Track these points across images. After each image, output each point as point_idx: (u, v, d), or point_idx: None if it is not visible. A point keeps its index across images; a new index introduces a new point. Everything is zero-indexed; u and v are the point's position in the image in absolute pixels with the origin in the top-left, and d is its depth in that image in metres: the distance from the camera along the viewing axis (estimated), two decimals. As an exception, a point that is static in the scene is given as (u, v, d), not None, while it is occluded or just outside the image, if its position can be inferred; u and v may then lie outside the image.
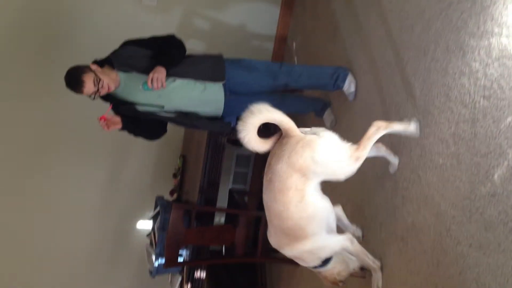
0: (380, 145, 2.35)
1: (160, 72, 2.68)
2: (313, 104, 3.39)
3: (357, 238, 2.54)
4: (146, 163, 4.78)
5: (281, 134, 2.02)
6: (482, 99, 1.93)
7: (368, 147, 2.10)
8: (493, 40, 1.92)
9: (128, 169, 4.74)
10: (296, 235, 2.16)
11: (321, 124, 3.46)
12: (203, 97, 2.94)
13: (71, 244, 4.66)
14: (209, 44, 4.54)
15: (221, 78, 2.92)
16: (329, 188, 3.31)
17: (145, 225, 4.70)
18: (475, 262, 1.83)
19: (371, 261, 2.48)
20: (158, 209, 3.88)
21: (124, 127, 2.92)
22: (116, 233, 4.81)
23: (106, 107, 2.86)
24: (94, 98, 2.76)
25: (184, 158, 4.47)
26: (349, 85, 3.09)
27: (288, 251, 2.27)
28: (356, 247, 2.38)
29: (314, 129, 2.07)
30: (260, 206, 4.61)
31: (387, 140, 2.48)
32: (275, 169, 1.98)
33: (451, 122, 2.10)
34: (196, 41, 4.59)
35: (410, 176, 2.35)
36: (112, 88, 2.78)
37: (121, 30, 4.33)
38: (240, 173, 4.87)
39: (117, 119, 2.89)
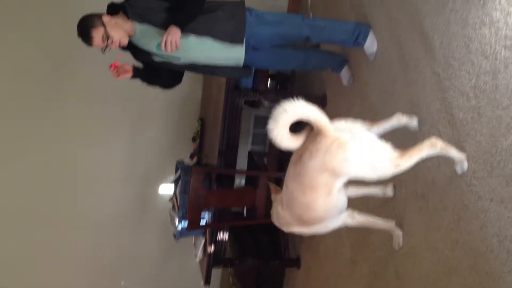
0: None
1: (174, 34, 2.58)
2: (333, 60, 3.32)
3: (389, 196, 2.56)
4: (165, 127, 4.80)
5: (312, 128, 1.92)
6: (503, 49, 1.86)
7: (414, 160, 1.92)
8: (515, -13, 1.84)
9: (148, 135, 4.76)
10: (311, 222, 2.15)
11: (338, 79, 3.41)
12: (222, 55, 2.86)
13: (94, 211, 4.74)
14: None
15: (240, 40, 2.81)
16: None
17: (167, 189, 4.76)
18: (497, 217, 1.80)
19: (383, 224, 2.47)
20: (179, 173, 3.91)
21: (136, 75, 2.88)
22: (139, 198, 4.88)
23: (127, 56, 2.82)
24: (104, 52, 2.69)
25: (202, 121, 4.47)
26: (371, 45, 3.00)
27: (291, 230, 2.27)
28: (358, 220, 2.40)
29: (349, 124, 1.98)
30: (280, 167, 4.63)
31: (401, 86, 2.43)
32: (307, 166, 1.91)
33: (471, 74, 2.04)
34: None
35: (430, 130, 2.30)
36: (125, 43, 2.70)
37: None
38: (258, 134, 4.86)
39: (128, 66, 2.85)
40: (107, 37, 2.61)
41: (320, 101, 3.79)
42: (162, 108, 4.73)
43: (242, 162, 4.35)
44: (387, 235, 2.55)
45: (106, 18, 2.63)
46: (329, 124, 1.87)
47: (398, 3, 2.74)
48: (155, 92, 4.59)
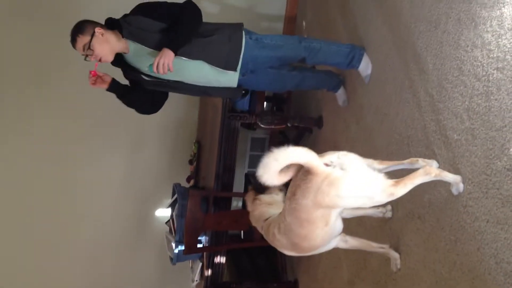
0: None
1: (167, 57, 2.58)
2: (329, 80, 3.34)
3: (388, 217, 2.56)
4: (162, 150, 4.80)
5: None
6: (495, 71, 1.88)
7: (408, 188, 1.91)
8: (505, 10, 1.86)
9: (145, 158, 4.76)
10: (308, 250, 2.15)
11: (333, 100, 3.43)
12: (215, 78, 2.86)
13: (91, 234, 4.72)
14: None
15: (234, 67, 2.81)
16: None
17: (163, 212, 4.74)
18: (493, 238, 1.80)
19: (378, 247, 2.47)
20: (175, 196, 3.91)
21: (111, 89, 2.84)
22: (135, 221, 4.86)
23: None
24: (85, 59, 2.67)
25: (199, 143, 4.48)
26: (365, 67, 3.02)
27: (285, 252, 2.26)
28: (351, 244, 2.39)
29: (341, 155, 1.91)
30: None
31: (395, 114, 2.45)
32: (301, 203, 1.90)
33: (464, 96, 2.05)
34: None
35: (425, 152, 2.31)
36: (107, 60, 2.69)
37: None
38: (255, 156, 4.87)
39: (108, 78, 2.81)
40: (87, 47, 2.61)
41: (316, 123, 3.81)
42: (159, 131, 4.74)
43: (239, 184, 4.34)
44: (385, 256, 2.54)
45: (98, 30, 2.63)
46: (319, 162, 1.83)
47: (391, 24, 2.78)
48: (152, 116, 4.63)
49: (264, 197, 2.56)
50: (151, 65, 2.64)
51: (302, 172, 1.89)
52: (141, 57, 2.74)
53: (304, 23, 4.46)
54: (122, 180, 4.75)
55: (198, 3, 4.23)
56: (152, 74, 2.74)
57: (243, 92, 3.19)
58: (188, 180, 4.55)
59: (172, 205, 3.98)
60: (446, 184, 2.10)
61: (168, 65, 2.60)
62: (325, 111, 3.76)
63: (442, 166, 2.15)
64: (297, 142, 4.28)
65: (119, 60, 2.81)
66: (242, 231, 4.27)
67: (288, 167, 1.84)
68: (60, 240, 4.65)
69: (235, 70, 2.83)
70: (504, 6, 1.88)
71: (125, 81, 2.94)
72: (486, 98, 1.92)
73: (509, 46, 1.82)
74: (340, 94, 3.36)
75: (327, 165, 1.86)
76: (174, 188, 4.01)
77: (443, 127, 2.18)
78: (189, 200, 3.42)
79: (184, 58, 2.72)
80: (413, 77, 2.48)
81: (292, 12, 4.69)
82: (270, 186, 1.91)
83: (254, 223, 2.49)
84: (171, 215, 3.95)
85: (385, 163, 2.06)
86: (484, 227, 1.86)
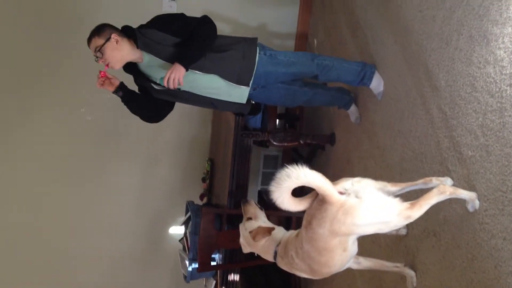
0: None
1: (178, 71, 2.62)
2: (341, 97, 3.33)
3: (402, 235, 2.55)
4: (175, 168, 4.82)
5: (317, 194, 1.89)
6: (509, 88, 1.88)
7: (424, 209, 1.89)
8: (517, 26, 1.87)
9: (158, 176, 4.78)
10: (326, 274, 2.14)
11: (346, 117, 3.43)
12: (226, 91, 2.90)
13: (104, 251, 4.73)
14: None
15: (246, 83, 2.86)
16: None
17: (177, 230, 4.74)
18: (510, 255, 1.78)
19: (392, 267, 2.44)
20: (189, 213, 3.91)
21: (118, 92, 2.85)
22: (148, 239, 4.87)
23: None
24: (95, 60, 2.72)
25: (212, 161, 4.49)
26: (377, 85, 3.03)
27: (301, 275, 2.24)
28: (364, 265, 2.40)
29: (355, 182, 1.92)
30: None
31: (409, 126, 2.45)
32: (318, 232, 1.90)
33: (478, 113, 2.05)
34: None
35: (439, 169, 2.30)
36: (114, 67, 2.73)
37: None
38: (268, 174, 4.87)
39: (116, 81, 2.84)
40: (98, 50, 2.66)
41: (329, 140, 3.81)
42: (172, 148, 4.76)
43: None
44: (400, 274, 2.51)
45: (115, 37, 2.69)
46: (333, 190, 1.83)
47: (402, 41, 2.79)
48: (165, 133, 4.69)
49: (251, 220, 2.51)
50: (161, 78, 2.70)
51: (317, 201, 1.89)
52: (154, 68, 2.80)
53: (315, 41, 4.49)
54: (136, 197, 4.77)
55: (210, 15, 4.28)
56: (162, 86, 2.79)
57: (256, 108, 3.22)
58: (201, 197, 4.56)
59: (185, 223, 3.98)
60: (461, 201, 2.09)
61: (179, 79, 2.64)
62: (337, 128, 3.76)
63: (457, 183, 2.14)
64: (310, 159, 4.28)
65: (132, 66, 2.87)
66: (255, 249, 4.25)
67: (304, 197, 1.88)
68: (72, 257, 4.67)
69: (247, 85, 2.87)
70: (516, 23, 1.88)
71: (133, 87, 2.98)
72: (500, 114, 1.91)
73: (522, 63, 1.83)
74: (352, 111, 3.36)
75: (341, 193, 1.86)
76: (187, 205, 4.01)
77: (457, 143, 2.17)
78: (202, 218, 3.42)
79: (197, 71, 2.76)
80: (426, 94, 2.48)
81: (304, 29, 4.72)
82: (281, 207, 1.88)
83: (263, 255, 2.39)
84: (185, 233, 3.95)
85: (399, 185, 2.06)
86: (501, 244, 1.84)
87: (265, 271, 4.20)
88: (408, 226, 2.53)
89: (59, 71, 4.36)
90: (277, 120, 4.05)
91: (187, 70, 2.67)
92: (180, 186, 4.82)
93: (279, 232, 2.38)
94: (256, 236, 2.35)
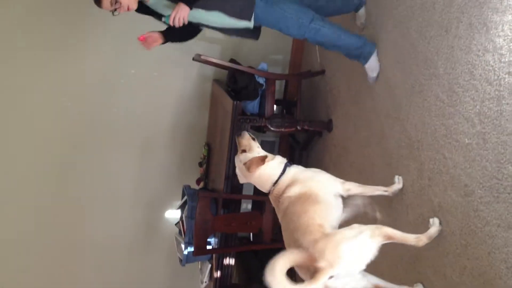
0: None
1: (182, 11, 2.73)
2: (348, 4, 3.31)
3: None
4: (172, 153, 4.82)
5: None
6: (507, 75, 1.88)
7: (394, 238, 2.05)
8: (517, 14, 1.87)
9: (155, 160, 4.78)
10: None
11: (343, 105, 3.43)
12: (231, 24, 2.98)
13: (100, 236, 4.74)
14: (226, 43, 4.52)
15: (248, 17, 2.92)
16: (356, 172, 3.29)
17: (173, 214, 4.76)
18: (504, 242, 1.80)
19: (382, 191, 2.55)
20: (185, 198, 3.92)
21: (165, 40, 3.02)
22: (145, 223, 4.88)
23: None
24: (113, 14, 2.78)
25: (209, 146, 4.49)
26: (373, 68, 3.04)
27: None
28: (354, 191, 2.47)
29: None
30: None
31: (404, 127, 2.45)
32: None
33: (476, 100, 2.05)
34: (209, 45, 4.59)
35: (435, 156, 2.31)
36: (133, 7, 2.81)
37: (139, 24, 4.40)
38: (265, 159, 4.87)
39: (156, 35, 2.97)
40: (115, 1, 2.72)
41: (326, 126, 3.81)
42: (169, 133, 4.76)
43: (248, 187, 4.34)
44: (396, 259, 2.54)
45: None
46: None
47: (402, 28, 2.78)
48: (162, 118, 4.68)
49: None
50: (167, 17, 2.81)
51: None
52: (160, 7, 2.90)
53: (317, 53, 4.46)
54: (132, 182, 4.77)
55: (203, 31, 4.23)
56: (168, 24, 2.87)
57: (254, 93, 3.21)
58: (197, 182, 4.56)
59: (181, 207, 3.99)
60: (457, 188, 2.11)
61: (184, 18, 2.76)
62: (334, 114, 3.77)
63: (453, 170, 2.16)
64: (306, 145, 4.28)
65: (142, 8, 2.93)
66: (251, 233, 4.28)
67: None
68: (69, 241, 4.68)
69: (249, 19, 2.93)
70: (516, 11, 1.88)
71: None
72: (498, 102, 1.92)
73: (521, 51, 1.83)
74: (360, 15, 3.34)
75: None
76: (183, 190, 4.02)
77: (454, 131, 2.18)
78: (198, 202, 3.43)
79: (200, 9, 2.87)
80: (424, 82, 2.48)
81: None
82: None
83: (258, 186, 2.52)
84: (181, 217, 3.96)
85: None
86: (495, 231, 1.86)
87: (260, 256, 4.23)
88: (404, 212, 2.55)
89: (53, 60, 4.33)
90: (275, 106, 4.04)
91: (191, 8, 2.78)
92: (177, 171, 4.82)
93: (276, 162, 2.48)
94: (251, 167, 2.43)
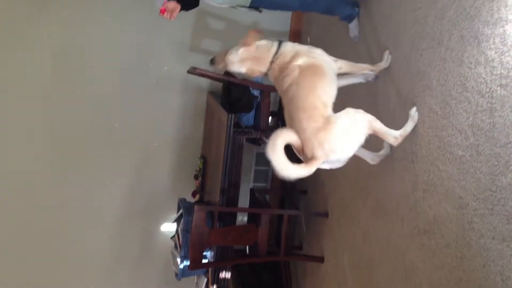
0: None
1: None
2: (342, 7, 3.29)
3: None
4: (167, 165, 4.81)
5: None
6: (499, 88, 1.89)
7: (377, 133, 2.37)
8: (508, 27, 1.88)
9: (150, 173, 4.78)
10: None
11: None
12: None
13: (96, 248, 4.73)
14: (224, 42, 4.55)
15: None
16: (349, 185, 3.30)
17: (169, 227, 4.74)
18: (499, 255, 1.79)
19: (367, 68, 2.82)
20: (181, 211, 3.91)
21: (181, 8, 2.98)
22: (140, 236, 4.86)
23: None
24: None
25: (204, 159, 4.49)
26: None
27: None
28: (344, 69, 2.73)
29: None
30: (282, 204, 4.63)
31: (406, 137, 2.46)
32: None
33: (469, 112, 2.06)
34: (211, 41, 4.61)
35: (429, 168, 2.32)
36: None
37: (136, 35, 4.42)
38: (260, 171, 4.88)
39: (172, 4, 2.92)
40: None
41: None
42: (165, 146, 4.76)
43: (244, 199, 4.34)
44: (391, 272, 2.53)
45: None
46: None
47: (395, 40, 2.80)
48: (158, 131, 4.68)
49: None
50: None
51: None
52: None
53: (308, 39, 4.49)
54: (127, 194, 4.76)
55: (204, 20, 4.29)
56: None
57: (249, 105, 3.22)
58: (193, 194, 4.56)
59: (177, 220, 3.98)
60: (451, 201, 2.11)
61: None
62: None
63: (447, 182, 2.16)
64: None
65: None
66: (247, 246, 4.26)
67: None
68: (64, 255, 4.66)
69: None
70: (507, 24, 1.89)
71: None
72: (490, 114, 1.92)
73: (512, 63, 1.84)
74: (353, 26, 3.35)
75: None
76: (179, 203, 4.01)
77: (448, 143, 2.19)
78: (194, 215, 3.42)
79: None
80: (417, 93, 2.49)
81: (297, 27, 4.72)
82: None
83: (257, 64, 2.61)
84: (177, 230, 3.95)
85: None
86: (490, 244, 1.85)
87: (256, 269, 4.21)
88: (398, 224, 2.55)
89: (50, 72, 4.33)
90: (270, 118, 4.05)
91: None
92: (172, 183, 4.82)
93: (269, 43, 2.62)
94: (248, 39, 2.59)
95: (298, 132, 2.29)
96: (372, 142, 2.48)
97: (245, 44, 2.59)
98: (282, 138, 2.17)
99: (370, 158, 2.70)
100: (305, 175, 2.23)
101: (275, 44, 2.60)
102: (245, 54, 2.61)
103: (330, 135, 2.24)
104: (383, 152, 2.69)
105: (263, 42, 2.64)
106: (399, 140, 2.41)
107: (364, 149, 2.61)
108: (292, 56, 2.51)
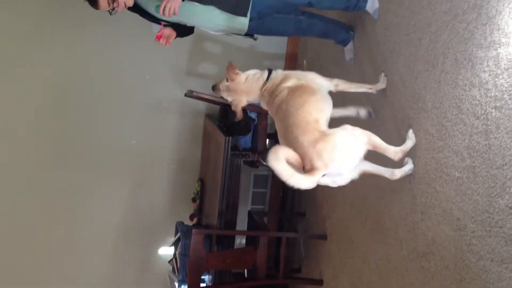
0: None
1: (174, 1, 2.63)
2: (338, 32, 3.31)
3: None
4: (165, 188, 4.80)
5: None
6: (494, 110, 1.91)
7: (377, 148, 2.34)
8: (501, 50, 1.91)
9: (147, 196, 4.76)
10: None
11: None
12: (226, 24, 2.93)
13: (93, 272, 4.69)
14: (221, 66, 4.58)
15: (244, 13, 2.87)
16: (347, 207, 3.29)
17: (166, 251, 4.71)
18: (498, 277, 1.79)
19: (367, 88, 2.84)
20: (178, 234, 3.89)
21: (177, 35, 2.99)
22: (138, 260, 4.82)
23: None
24: (111, 13, 2.74)
25: (202, 181, 4.48)
26: (372, 3, 3.03)
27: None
28: (341, 87, 2.76)
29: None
30: (280, 227, 4.61)
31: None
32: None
33: (464, 134, 2.07)
34: (208, 64, 4.64)
35: (427, 190, 2.32)
36: (130, 3, 2.77)
37: (133, 60, 4.45)
38: (258, 193, 4.87)
39: (168, 31, 2.93)
40: (112, 1, 2.68)
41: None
42: (162, 168, 4.75)
43: (242, 222, 4.33)
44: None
45: None
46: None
47: (390, 63, 2.82)
48: (155, 153, 4.68)
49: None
50: (157, 6, 2.71)
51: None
52: (149, 1, 2.82)
53: (304, 62, 4.53)
54: (125, 217, 4.73)
55: (201, 44, 4.33)
56: (158, 16, 2.81)
57: (246, 128, 3.22)
58: (191, 217, 4.53)
59: (175, 244, 3.96)
60: (449, 222, 2.11)
61: (174, 9, 2.66)
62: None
63: (445, 204, 2.16)
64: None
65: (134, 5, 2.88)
66: (245, 270, 4.23)
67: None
68: (60, 278, 4.61)
69: (245, 15, 2.89)
70: (500, 47, 1.92)
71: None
72: (486, 136, 1.94)
73: (506, 86, 1.86)
74: (349, 49, 3.37)
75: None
76: (177, 226, 3.99)
77: (444, 164, 2.20)
78: (192, 239, 3.40)
79: (195, 3, 2.79)
80: (413, 116, 2.51)
81: (293, 50, 4.76)
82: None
83: (247, 95, 2.72)
84: (174, 254, 3.92)
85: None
86: (489, 266, 1.85)
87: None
88: (397, 246, 2.54)
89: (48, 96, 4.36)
90: (267, 140, 4.06)
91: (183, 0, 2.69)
92: (170, 206, 4.79)
93: (258, 73, 2.70)
94: (229, 73, 2.66)
95: (295, 148, 2.26)
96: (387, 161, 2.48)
97: (229, 80, 2.69)
98: (282, 150, 2.16)
99: (389, 173, 2.55)
100: (309, 185, 2.17)
101: (265, 73, 2.67)
102: (233, 86, 2.71)
103: (329, 144, 2.21)
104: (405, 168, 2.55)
105: (253, 72, 2.72)
106: (399, 155, 2.38)
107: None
108: (282, 80, 2.58)
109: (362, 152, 2.28)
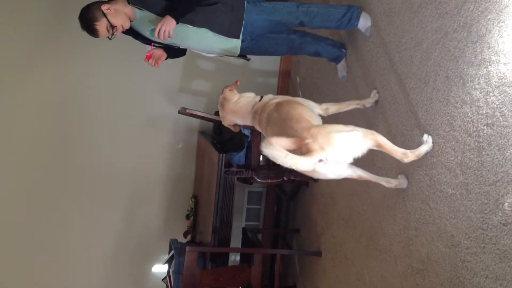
0: None
1: (168, 24, 2.69)
2: (330, 50, 3.34)
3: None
4: (159, 205, 4.78)
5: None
6: (485, 127, 1.93)
7: (383, 147, 2.24)
8: (492, 68, 1.93)
9: (141, 213, 4.73)
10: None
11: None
12: (219, 46, 2.98)
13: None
14: (214, 83, 4.60)
15: (237, 35, 2.92)
16: (342, 223, 3.29)
17: (160, 269, 4.67)
18: (493, 294, 1.79)
19: (356, 104, 2.84)
20: (172, 252, 3.86)
21: (167, 56, 3.05)
22: (131, 278, 4.78)
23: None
24: (110, 39, 2.79)
25: (195, 198, 4.47)
26: (365, 21, 3.06)
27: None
28: (332, 110, 2.74)
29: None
30: (275, 244, 4.59)
31: (395, 169, 2.49)
32: None
33: (457, 151, 2.09)
34: (202, 81, 4.66)
35: (420, 206, 2.33)
36: (127, 26, 2.81)
37: (127, 79, 4.46)
38: (252, 210, 4.86)
39: (158, 51, 2.98)
40: (111, 27, 2.73)
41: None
42: (156, 186, 4.74)
43: (236, 239, 4.31)
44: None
45: (105, 7, 2.73)
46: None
47: (382, 80, 2.85)
48: (149, 170, 4.67)
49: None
50: (152, 30, 2.77)
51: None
52: (146, 23, 2.86)
53: (298, 79, 4.56)
54: (118, 235, 4.70)
55: (194, 61, 4.34)
56: (152, 38, 2.86)
57: (240, 145, 3.23)
58: (185, 235, 4.51)
59: (169, 262, 3.93)
60: (444, 239, 2.11)
61: (169, 32, 2.71)
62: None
63: (439, 221, 2.17)
64: (293, 195, 4.28)
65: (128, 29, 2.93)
66: (240, 287, 4.20)
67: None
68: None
69: (238, 37, 2.94)
70: (490, 65, 1.94)
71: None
72: (478, 153, 1.95)
73: (497, 103, 1.88)
74: (341, 67, 3.39)
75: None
76: (170, 243, 3.97)
77: (438, 181, 2.21)
78: (186, 257, 3.39)
79: (188, 25, 2.83)
80: (406, 132, 2.53)
81: (286, 67, 4.79)
82: None
83: (243, 119, 2.76)
84: (168, 272, 3.89)
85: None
86: (484, 282, 1.85)
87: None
88: (392, 263, 2.54)
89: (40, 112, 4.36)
90: (261, 157, 4.06)
91: (177, 22, 2.73)
92: (164, 223, 4.77)
93: (251, 96, 2.74)
94: (227, 86, 2.74)
95: (291, 136, 2.21)
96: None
97: (222, 93, 2.77)
98: (274, 138, 2.10)
99: (385, 180, 2.53)
100: (306, 166, 2.11)
101: (258, 97, 2.71)
102: (223, 101, 2.77)
103: (323, 129, 2.17)
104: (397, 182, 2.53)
105: (247, 95, 2.76)
106: (409, 156, 2.24)
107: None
108: (270, 99, 2.62)
109: (361, 143, 2.19)
